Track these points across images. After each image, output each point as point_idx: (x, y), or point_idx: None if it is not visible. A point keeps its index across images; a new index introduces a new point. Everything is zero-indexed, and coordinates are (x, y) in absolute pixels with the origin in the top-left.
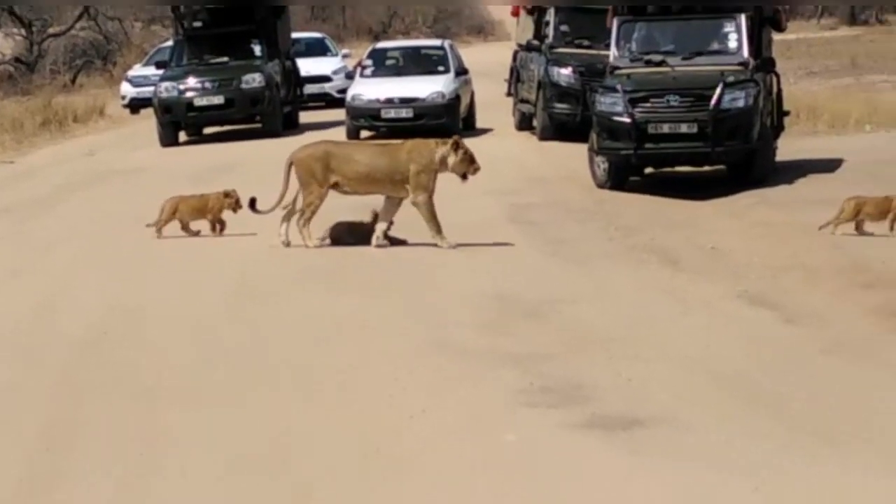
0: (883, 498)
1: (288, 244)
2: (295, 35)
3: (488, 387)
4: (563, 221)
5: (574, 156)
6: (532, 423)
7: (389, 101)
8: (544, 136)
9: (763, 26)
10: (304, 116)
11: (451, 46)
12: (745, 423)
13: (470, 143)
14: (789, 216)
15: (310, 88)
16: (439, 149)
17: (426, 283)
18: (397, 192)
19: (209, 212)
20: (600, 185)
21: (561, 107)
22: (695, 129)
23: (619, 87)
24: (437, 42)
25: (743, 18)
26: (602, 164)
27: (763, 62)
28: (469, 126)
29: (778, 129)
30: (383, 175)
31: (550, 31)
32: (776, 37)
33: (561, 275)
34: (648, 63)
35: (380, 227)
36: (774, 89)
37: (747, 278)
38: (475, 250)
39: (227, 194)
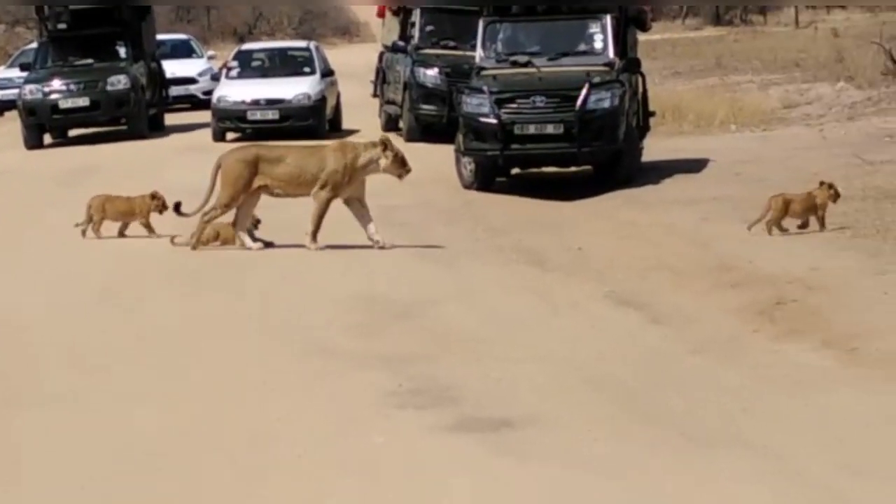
0: (751, 498)
1: (270, 245)
2: (160, 37)
3: (357, 388)
4: (431, 223)
5: (440, 157)
6: (401, 425)
7: (255, 103)
8: (410, 138)
9: (628, 27)
10: (170, 118)
11: (317, 48)
12: (612, 424)
13: None
14: (656, 216)
15: (175, 90)
16: (367, 151)
17: (294, 285)
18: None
19: (137, 215)
20: (467, 186)
21: (427, 108)
22: (561, 130)
23: (485, 88)
24: (302, 43)
25: (608, 19)
26: (468, 165)
27: (628, 63)
28: (335, 127)
29: (644, 129)
30: (312, 176)
31: (416, 32)
32: (641, 37)
33: (429, 276)
34: (514, 64)
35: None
36: (640, 90)
37: (614, 279)
38: (343, 252)
39: (153, 196)
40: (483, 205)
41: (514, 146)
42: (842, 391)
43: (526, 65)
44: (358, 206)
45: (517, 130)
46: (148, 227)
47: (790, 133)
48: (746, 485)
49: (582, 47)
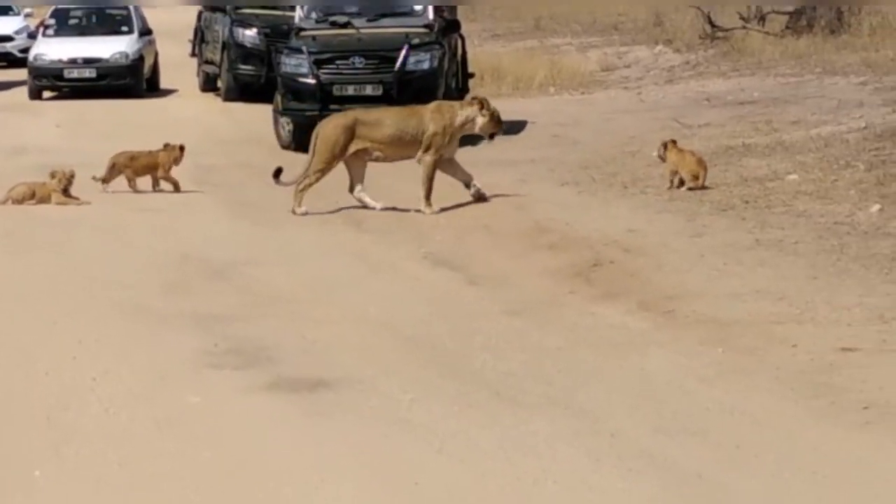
0: (566, 458)
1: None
2: None
3: (173, 348)
4: (248, 183)
5: (258, 117)
6: (217, 385)
7: (72, 62)
8: (228, 98)
9: None
10: None
11: (136, 7)
12: (429, 384)
13: (153, 104)
14: (474, 177)
15: None
16: (464, 110)
17: (110, 244)
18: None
19: (160, 167)
20: (285, 147)
21: (245, 68)
22: (380, 91)
23: (304, 48)
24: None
25: None
26: (287, 125)
27: (448, 24)
28: (153, 87)
29: (463, 91)
30: (411, 138)
31: None
32: None
33: (245, 236)
34: (334, 25)
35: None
36: (459, 51)
37: (431, 240)
38: (158, 211)
39: (178, 147)
40: (301, 165)
41: (333, 107)
42: (657, 353)
43: (345, 26)
44: (450, 165)
45: (336, 91)
46: (169, 179)
47: (609, 96)
48: (562, 445)
49: (401, 8)
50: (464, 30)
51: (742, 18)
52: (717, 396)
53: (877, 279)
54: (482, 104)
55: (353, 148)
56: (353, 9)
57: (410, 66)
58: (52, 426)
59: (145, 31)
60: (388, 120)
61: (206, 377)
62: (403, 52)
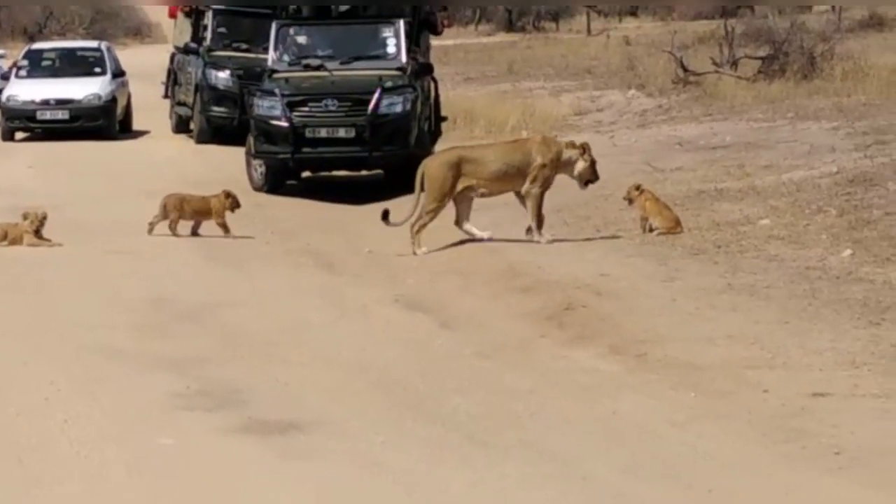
0: (536, 502)
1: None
2: None
3: (145, 390)
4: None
5: (231, 159)
6: (188, 427)
7: (45, 103)
8: (201, 140)
9: (421, 31)
10: None
11: (108, 48)
12: (401, 427)
13: (126, 146)
14: (446, 221)
15: None
16: (568, 150)
17: (82, 286)
18: (521, 187)
19: (213, 214)
20: (257, 189)
21: (218, 110)
22: (352, 134)
23: (276, 90)
24: (93, 43)
25: (401, 24)
26: (259, 167)
27: (421, 67)
28: (126, 128)
29: (435, 134)
30: (517, 171)
31: (208, 33)
32: (434, 42)
33: (218, 278)
34: (307, 67)
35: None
36: (432, 94)
37: (404, 283)
38: (132, 253)
39: (227, 195)
40: (273, 207)
41: (306, 149)
42: (628, 396)
43: (318, 68)
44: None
45: (308, 134)
46: (223, 226)
47: (581, 140)
48: (533, 489)
49: (375, 51)
50: (437, 73)
51: (714, 63)
52: (688, 440)
53: (848, 324)
54: (584, 149)
55: (460, 186)
56: (327, 51)
57: (383, 109)
58: (23, 467)
59: (118, 73)
60: (492, 156)
61: (178, 419)
62: (376, 95)
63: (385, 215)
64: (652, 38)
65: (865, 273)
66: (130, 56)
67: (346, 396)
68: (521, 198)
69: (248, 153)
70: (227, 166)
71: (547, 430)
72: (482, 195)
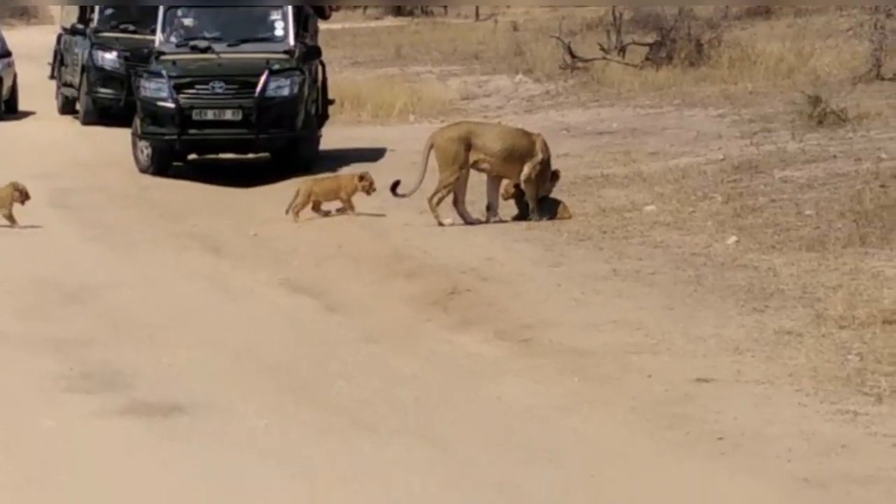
0: (419, 486)
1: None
2: None
3: (27, 372)
4: (106, 206)
5: (117, 141)
6: (71, 409)
7: None
8: (88, 121)
9: (309, 15)
10: None
11: None
12: (285, 410)
13: (11, 126)
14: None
15: None
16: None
17: None
18: (517, 174)
19: (343, 192)
20: (143, 171)
21: (105, 91)
22: (239, 116)
23: (163, 72)
24: None
25: (289, 7)
26: (145, 149)
27: (309, 51)
28: (11, 109)
29: (323, 117)
30: (520, 156)
31: (96, 14)
32: (322, 26)
33: (103, 260)
34: (194, 49)
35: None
36: (320, 78)
37: (290, 266)
38: (13, 234)
39: (361, 177)
40: (159, 189)
41: (192, 131)
42: (513, 381)
43: (206, 50)
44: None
45: (195, 116)
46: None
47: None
48: (416, 473)
49: (262, 34)
50: (325, 56)
51: (602, 49)
52: (572, 425)
53: (733, 310)
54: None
55: (471, 158)
56: (215, 34)
57: (270, 92)
58: None
59: (4, 53)
60: (500, 135)
61: (61, 401)
62: (264, 78)
63: (394, 186)
64: (540, 23)
65: (750, 260)
66: (17, 36)
67: (230, 379)
68: (495, 184)
69: (134, 135)
70: (114, 148)
71: (431, 414)
72: (485, 171)
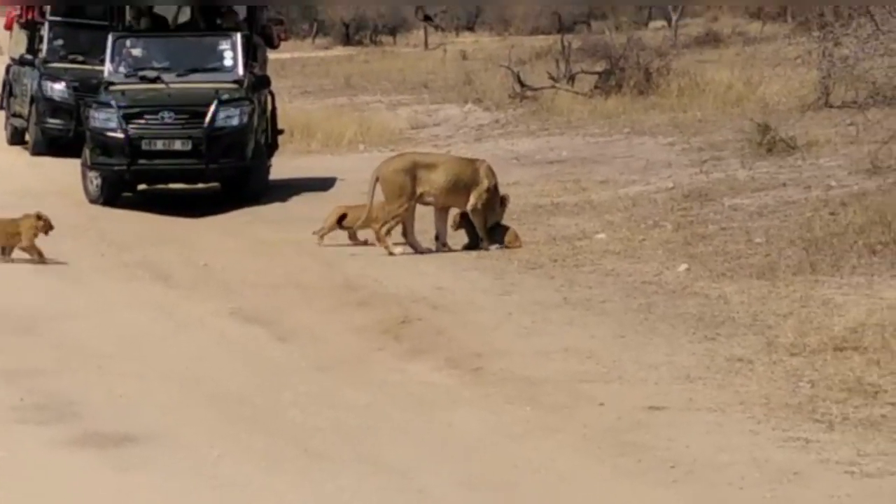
0: None
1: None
2: None
3: None
4: (55, 237)
5: (67, 171)
6: (22, 440)
7: None
8: (37, 152)
9: (258, 44)
10: None
11: None
12: (237, 440)
13: None
14: (283, 234)
15: None
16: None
17: None
18: (463, 204)
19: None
20: (93, 201)
21: (54, 122)
22: (189, 147)
23: (113, 102)
24: None
25: (238, 37)
26: (95, 179)
27: (258, 80)
28: None
29: (272, 147)
30: (464, 187)
31: (45, 45)
32: (271, 55)
33: (52, 290)
34: (143, 79)
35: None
36: (269, 108)
37: (241, 296)
38: None
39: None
40: (109, 220)
41: (142, 161)
42: (465, 410)
43: (155, 80)
44: (443, 218)
45: (145, 146)
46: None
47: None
48: (369, 502)
49: (212, 64)
50: (274, 86)
51: (551, 78)
52: (524, 454)
53: (684, 338)
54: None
55: (418, 190)
56: (164, 64)
57: (220, 122)
58: None
59: None
60: (444, 166)
61: (11, 432)
62: (213, 108)
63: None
64: (489, 52)
65: (700, 287)
66: None
67: (181, 409)
68: (443, 215)
69: (83, 165)
70: (63, 178)
71: (383, 443)
72: (428, 203)
